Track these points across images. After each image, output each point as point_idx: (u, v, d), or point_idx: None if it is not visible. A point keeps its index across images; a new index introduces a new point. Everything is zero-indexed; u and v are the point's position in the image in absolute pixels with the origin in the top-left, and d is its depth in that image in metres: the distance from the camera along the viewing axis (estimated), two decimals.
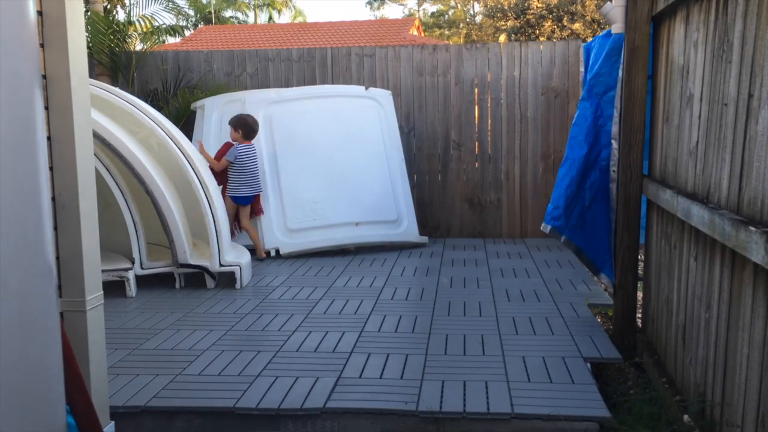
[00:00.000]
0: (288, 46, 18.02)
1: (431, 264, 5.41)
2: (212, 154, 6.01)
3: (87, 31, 6.76)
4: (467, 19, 31.68)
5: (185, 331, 3.77)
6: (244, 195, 5.59)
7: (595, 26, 15.77)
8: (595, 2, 15.73)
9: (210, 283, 4.73)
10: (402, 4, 37.13)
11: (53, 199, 2.20)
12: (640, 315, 3.78)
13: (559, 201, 3.96)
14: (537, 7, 17.24)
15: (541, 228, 4.18)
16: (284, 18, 34.82)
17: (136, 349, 3.48)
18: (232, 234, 5.56)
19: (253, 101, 6.18)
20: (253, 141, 5.71)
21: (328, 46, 7.44)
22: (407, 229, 6.14)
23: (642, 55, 3.28)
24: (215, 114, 6.30)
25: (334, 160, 6.08)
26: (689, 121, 2.70)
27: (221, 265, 4.67)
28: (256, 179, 5.65)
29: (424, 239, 6.27)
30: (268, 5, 32.80)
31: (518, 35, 17.90)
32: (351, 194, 6.03)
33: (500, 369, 3.10)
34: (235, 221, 5.68)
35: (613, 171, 3.71)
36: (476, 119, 6.76)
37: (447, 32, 33.56)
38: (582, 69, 5.57)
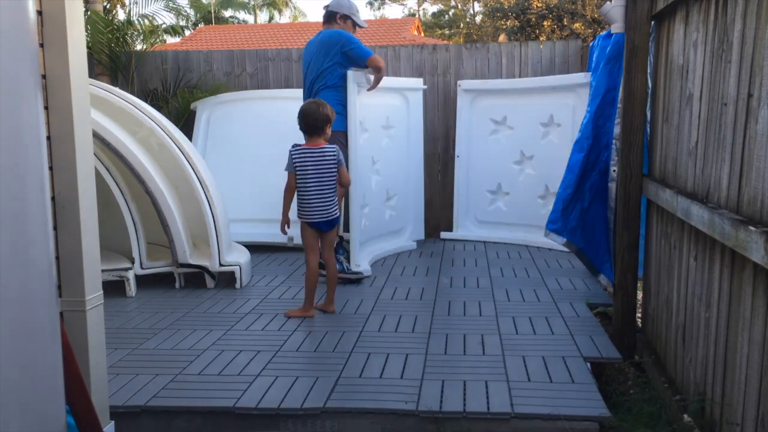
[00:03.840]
0: (288, 45, 18.00)
1: (431, 264, 5.41)
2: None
3: (86, 30, 6.76)
4: (467, 19, 31.67)
5: (185, 331, 3.77)
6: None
7: (596, 26, 15.76)
8: (596, 2, 15.72)
9: (210, 282, 4.73)
10: (402, 4, 37.16)
11: (53, 199, 2.20)
12: (640, 315, 3.78)
13: (557, 204, 3.98)
14: (537, 6, 17.23)
15: (544, 235, 4.21)
16: (284, 18, 34.83)
17: (136, 349, 3.49)
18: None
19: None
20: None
21: None
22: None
23: (641, 54, 3.28)
24: (204, 115, 6.41)
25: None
26: (689, 121, 2.70)
27: (221, 265, 4.67)
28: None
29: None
30: (269, 5, 32.78)
31: (518, 35, 17.89)
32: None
33: (500, 369, 3.10)
34: None
35: (613, 171, 3.71)
36: None
37: (447, 32, 33.57)
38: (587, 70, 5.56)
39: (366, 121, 5.26)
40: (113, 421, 2.43)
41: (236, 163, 6.11)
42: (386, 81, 6.09)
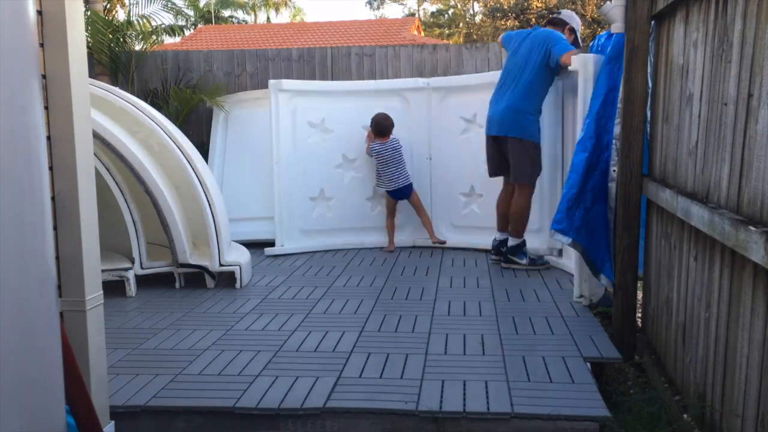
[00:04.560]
0: (288, 45, 17.98)
1: (431, 264, 5.41)
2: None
3: (87, 30, 6.77)
4: (467, 19, 31.67)
5: (185, 331, 3.77)
6: (385, 189, 5.89)
7: (596, 26, 15.77)
8: (596, 2, 15.74)
9: (210, 282, 4.73)
10: (402, 4, 37.18)
11: (53, 199, 2.20)
12: (640, 315, 3.78)
13: (562, 204, 3.97)
14: (537, 6, 17.24)
15: (550, 236, 4.20)
16: (283, 17, 34.86)
17: (136, 349, 3.49)
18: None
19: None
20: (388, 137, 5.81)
21: (328, 46, 7.44)
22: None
23: (641, 54, 3.28)
24: (222, 113, 6.48)
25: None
26: (689, 121, 2.70)
27: (221, 265, 4.67)
28: (392, 175, 5.81)
29: None
30: (265, 5, 32.81)
31: None
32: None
33: (500, 369, 3.10)
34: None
35: (613, 170, 3.71)
36: None
37: (447, 31, 33.56)
38: None
39: (328, 120, 5.97)
40: (113, 421, 2.43)
41: (261, 160, 6.16)
42: (371, 83, 6.24)
